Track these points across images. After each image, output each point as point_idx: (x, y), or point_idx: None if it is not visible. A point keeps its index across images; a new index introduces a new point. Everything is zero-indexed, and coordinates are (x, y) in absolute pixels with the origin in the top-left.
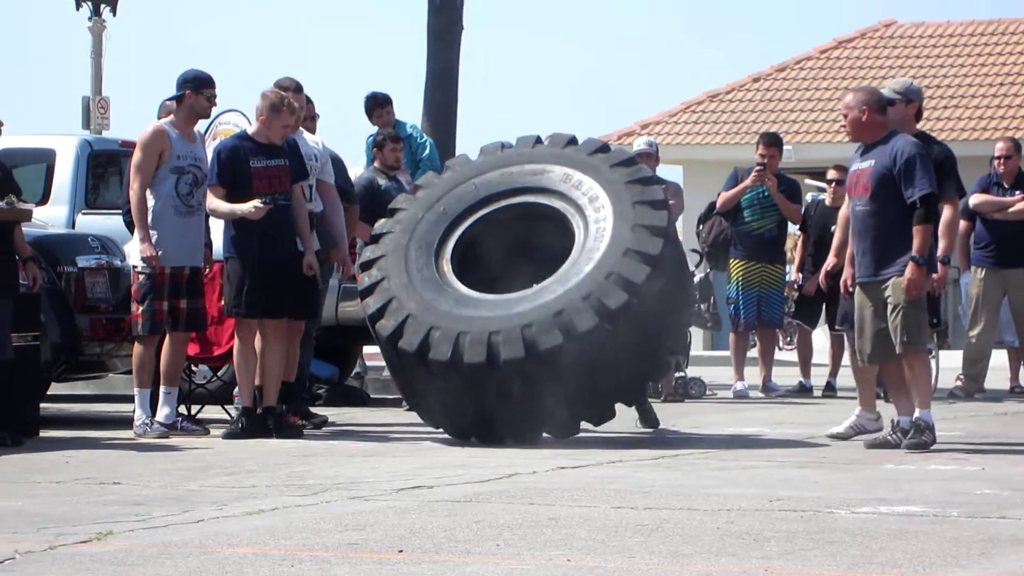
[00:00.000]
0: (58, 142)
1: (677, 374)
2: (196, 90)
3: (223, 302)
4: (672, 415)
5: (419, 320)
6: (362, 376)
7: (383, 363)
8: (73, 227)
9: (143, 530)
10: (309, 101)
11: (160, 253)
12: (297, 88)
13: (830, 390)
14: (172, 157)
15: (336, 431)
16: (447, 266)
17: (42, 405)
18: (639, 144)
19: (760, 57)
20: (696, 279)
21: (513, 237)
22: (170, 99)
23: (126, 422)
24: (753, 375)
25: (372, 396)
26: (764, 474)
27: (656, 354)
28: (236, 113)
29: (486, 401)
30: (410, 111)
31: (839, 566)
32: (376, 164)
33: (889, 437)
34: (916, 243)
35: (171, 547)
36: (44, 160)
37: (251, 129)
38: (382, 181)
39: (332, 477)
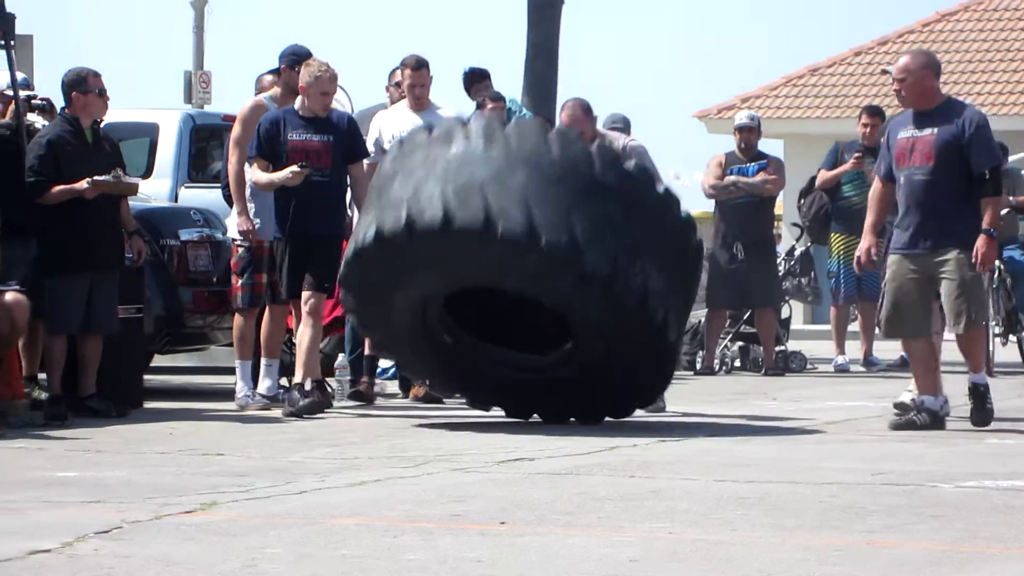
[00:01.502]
0: (161, 116)
1: (778, 348)
2: (291, 65)
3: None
4: (773, 389)
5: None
6: None
7: None
8: (176, 200)
9: (247, 501)
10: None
11: (257, 226)
12: (417, 65)
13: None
14: None
15: (436, 405)
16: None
17: (146, 377)
18: (740, 118)
19: (862, 31)
20: (797, 253)
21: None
22: (267, 73)
23: (228, 394)
24: (854, 349)
25: None
26: (866, 448)
27: None
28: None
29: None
30: (511, 86)
31: (943, 540)
32: None
33: (916, 418)
34: (988, 216)
35: (275, 518)
36: (148, 134)
37: (297, 103)
38: None
39: (434, 449)
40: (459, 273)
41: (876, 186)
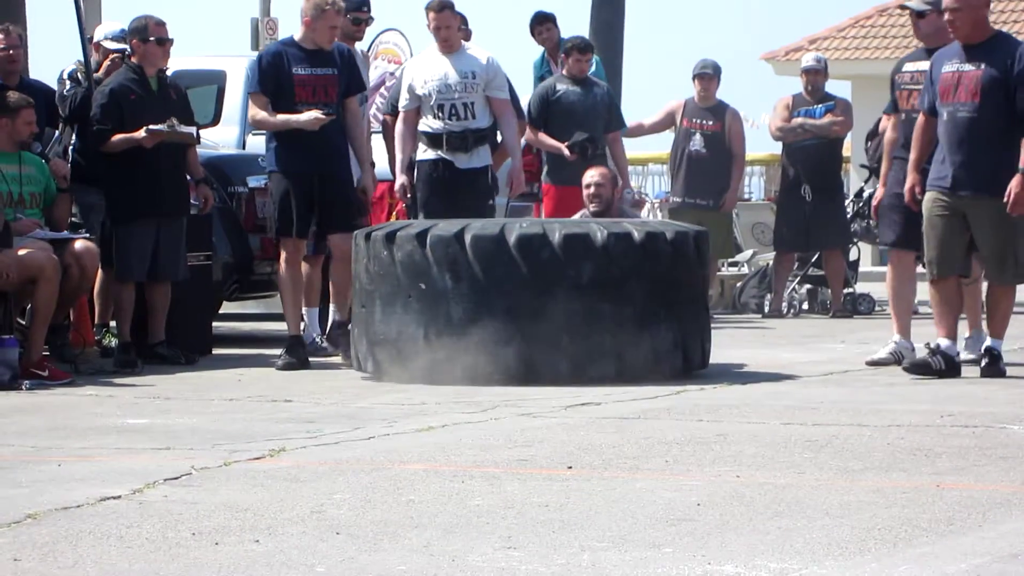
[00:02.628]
0: (228, 63)
1: (846, 290)
2: (344, 12)
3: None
4: (841, 331)
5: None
6: None
7: None
8: (244, 148)
9: (315, 447)
10: (464, 22)
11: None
12: (439, 7)
13: None
14: None
15: None
16: None
17: (214, 324)
18: (807, 60)
19: None
20: (865, 195)
21: None
22: None
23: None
24: (924, 290)
25: None
26: (934, 390)
27: None
28: (395, 32)
29: None
30: (576, 31)
31: (1012, 481)
32: (564, 72)
33: (931, 360)
34: None
35: (342, 463)
36: (215, 82)
37: (297, 35)
38: (562, 86)
39: (501, 394)
40: None
41: (920, 121)
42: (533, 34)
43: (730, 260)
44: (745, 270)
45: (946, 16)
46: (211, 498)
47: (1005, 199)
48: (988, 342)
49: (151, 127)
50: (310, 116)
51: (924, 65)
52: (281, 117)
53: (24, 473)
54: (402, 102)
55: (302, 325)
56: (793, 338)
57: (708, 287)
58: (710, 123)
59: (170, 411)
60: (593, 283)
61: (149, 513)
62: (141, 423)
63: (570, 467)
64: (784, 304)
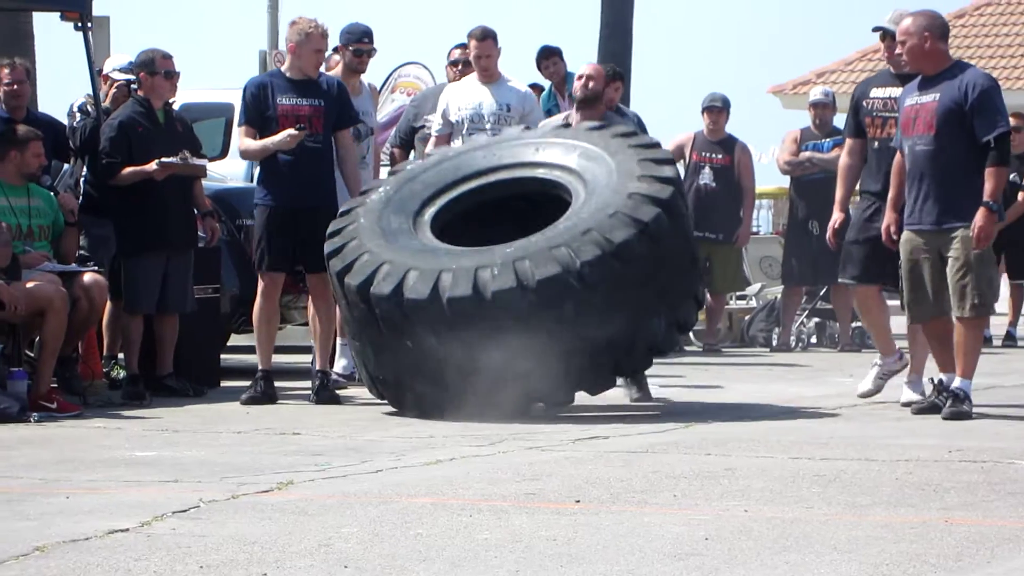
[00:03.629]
0: (236, 96)
1: (854, 324)
2: (345, 44)
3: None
4: (849, 365)
5: (396, 265)
6: None
7: None
8: (252, 180)
9: (323, 480)
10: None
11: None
12: (482, 36)
13: (1010, 340)
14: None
15: None
16: (428, 231)
17: (223, 356)
18: (815, 94)
19: (941, 4)
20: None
21: (505, 214)
22: (334, 52)
23: (304, 373)
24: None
25: None
26: (943, 424)
27: (652, 315)
28: (417, 66)
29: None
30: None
31: (1021, 517)
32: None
33: (937, 400)
34: (989, 187)
35: (350, 497)
36: (223, 114)
37: (284, 65)
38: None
39: (508, 427)
40: None
41: (896, 159)
42: (540, 68)
43: (738, 293)
44: (753, 303)
45: (896, 49)
46: (219, 531)
47: (969, 232)
48: (956, 382)
49: (163, 160)
50: (283, 135)
51: (895, 91)
52: (259, 142)
53: (32, 505)
54: (435, 127)
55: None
56: (801, 372)
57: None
58: (719, 156)
59: (178, 443)
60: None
61: (157, 546)
62: (149, 455)
63: (578, 501)
64: (792, 338)
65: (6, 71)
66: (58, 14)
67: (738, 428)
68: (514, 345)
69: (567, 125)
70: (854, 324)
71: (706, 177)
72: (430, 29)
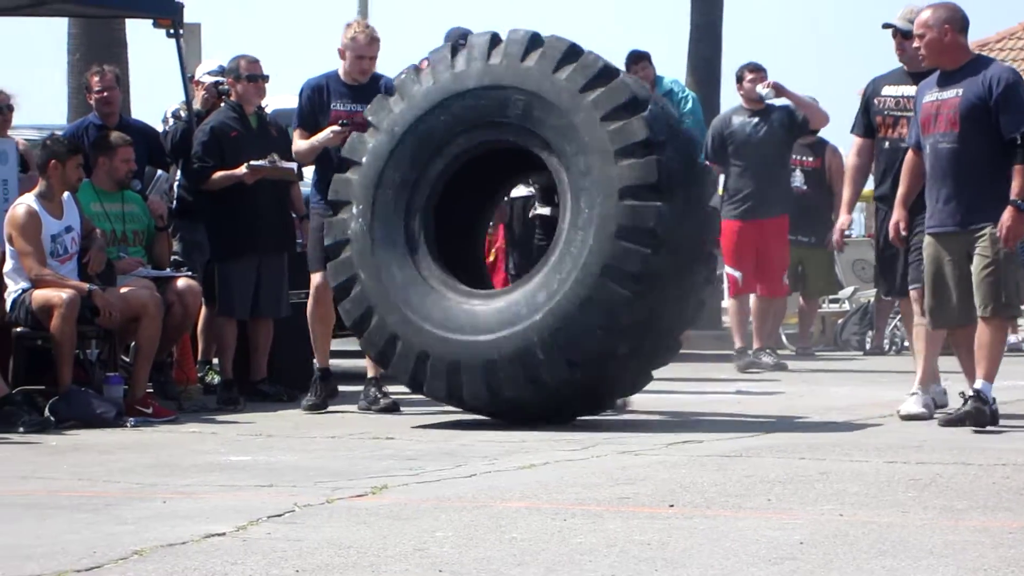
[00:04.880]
0: None
1: None
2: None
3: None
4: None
5: (406, 343)
6: None
7: None
8: None
9: (417, 484)
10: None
11: None
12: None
13: None
14: None
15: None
16: (426, 256)
17: None
18: None
19: None
20: None
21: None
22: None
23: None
24: None
25: None
26: None
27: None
28: None
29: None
30: (674, 66)
31: None
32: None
33: (971, 409)
34: (1016, 185)
35: (444, 501)
36: None
37: (341, 68)
38: (738, 118)
39: (603, 432)
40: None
41: (908, 157)
42: (629, 72)
43: (831, 297)
44: (846, 307)
45: (914, 43)
46: (314, 535)
47: (997, 231)
48: (978, 384)
49: (252, 163)
50: (327, 132)
51: (909, 90)
52: (307, 142)
53: (130, 510)
54: None
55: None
56: (895, 376)
57: None
58: (810, 159)
59: (272, 448)
60: None
61: (253, 550)
62: (244, 460)
63: (672, 505)
64: (886, 341)
65: (96, 78)
66: (151, 21)
67: (832, 432)
68: None
69: None
70: None
71: (797, 180)
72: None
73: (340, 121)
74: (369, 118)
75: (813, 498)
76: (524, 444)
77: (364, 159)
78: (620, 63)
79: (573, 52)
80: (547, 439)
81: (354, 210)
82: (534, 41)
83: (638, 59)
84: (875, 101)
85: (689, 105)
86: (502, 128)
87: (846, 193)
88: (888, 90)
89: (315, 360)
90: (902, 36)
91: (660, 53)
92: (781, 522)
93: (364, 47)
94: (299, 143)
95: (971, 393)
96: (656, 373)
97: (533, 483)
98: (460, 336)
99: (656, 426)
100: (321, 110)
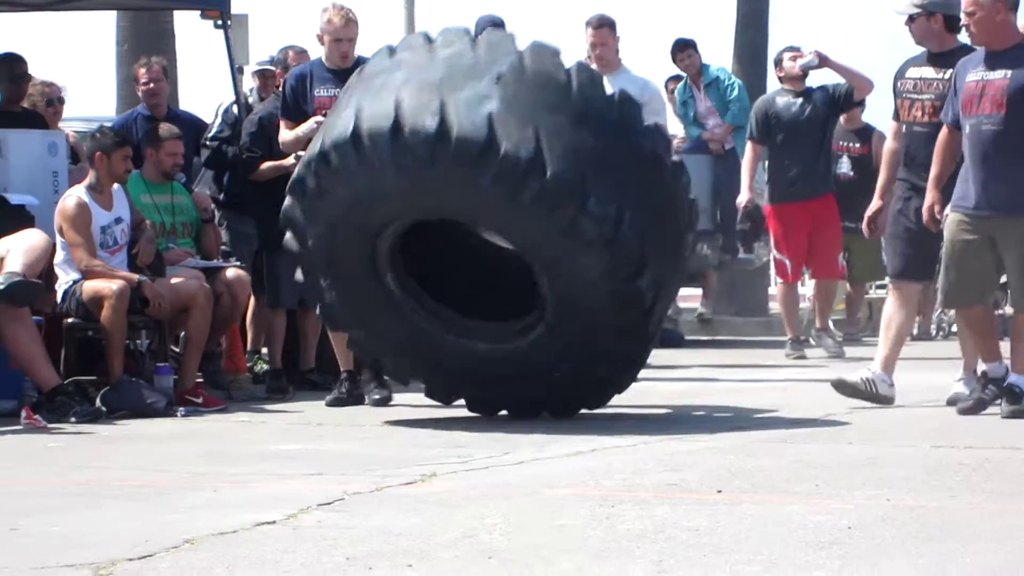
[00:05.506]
0: None
1: (996, 312)
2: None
3: None
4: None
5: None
6: (675, 319)
7: (696, 305)
8: None
9: (465, 472)
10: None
11: None
12: (598, 23)
13: None
14: None
15: (651, 374)
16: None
17: None
18: None
19: None
20: None
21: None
22: None
23: None
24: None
25: (686, 338)
26: None
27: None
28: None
29: None
30: (720, 54)
31: None
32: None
33: (983, 395)
34: None
35: (493, 488)
36: None
37: (324, 52)
38: (781, 99)
39: (649, 417)
40: (435, 202)
41: (942, 134)
42: (675, 60)
43: (878, 282)
44: None
45: (963, 20)
46: (364, 523)
47: None
48: (1011, 378)
49: (300, 154)
50: (310, 124)
51: (928, 72)
52: (292, 133)
53: (181, 499)
54: None
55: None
56: (942, 362)
57: None
58: (857, 146)
59: (322, 437)
60: None
61: (304, 538)
62: (293, 449)
63: (720, 491)
64: (933, 327)
65: (143, 70)
66: (198, 12)
67: (879, 417)
68: None
69: None
70: (996, 312)
71: (844, 166)
72: (567, 19)
73: (324, 112)
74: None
75: (860, 483)
76: (572, 431)
77: (311, 243)
78: (666, 51)
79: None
80: (596, 426)
81: (322, 283)
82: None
83: (683, 47)
84: (898, 84)
85: (736, 93)
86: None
87: (881, 177)
88: (911, 72)
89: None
90: (925, 17)
91: (706, 40)
92: (829, 507)
93: (340, 29)
94: (284, 134)
95: (986, 375)
96: (703, 360)
97: (581, 470)
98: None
99: (703, 413)
100: (305, 98)
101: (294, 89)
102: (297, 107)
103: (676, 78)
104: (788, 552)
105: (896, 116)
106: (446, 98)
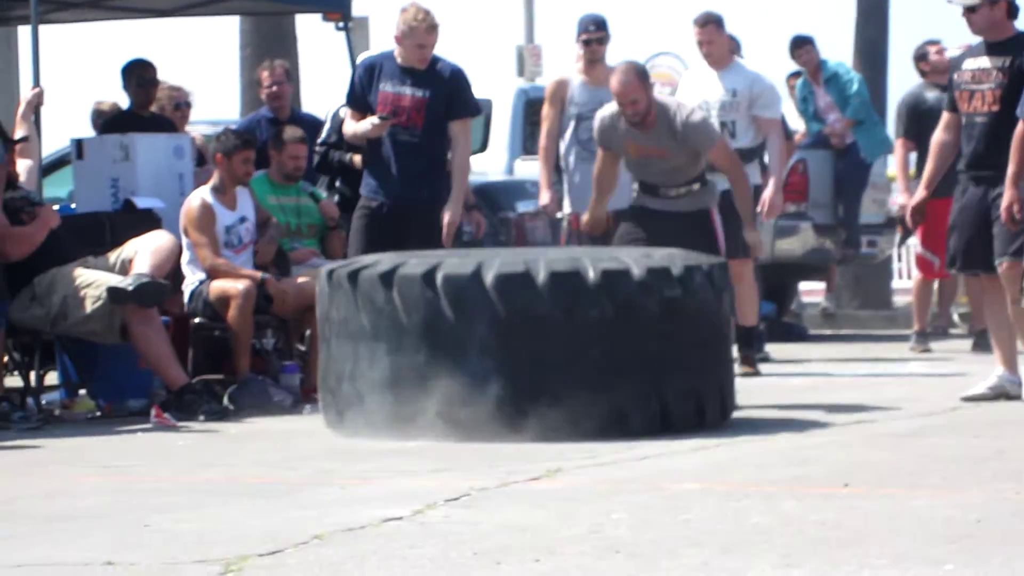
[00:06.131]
0: (495, 91)
1: None
2: (577, 35)
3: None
4: None
5: None
6: (799, 313)
7: (820, 299)
8: (512, 174)
9: (591, 467)
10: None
11: (567, 207)
12: (703, 21)
13: None
14: (571, 104)
15: (776, 369)
16: None
17: None
18: None
19: None
20: None
21: None
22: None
23: None
24: None
25: (810, 332)
26: None
27: None
28: (671, 56)
29: None
30: (839, 49)
31: None
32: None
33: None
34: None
35: (619, 483)
36: (482, 110)
37: (397, 48)
38: (931, 94)
39: (776, 412)
40: None
41: (1019, 128)
42: (793, 57)
43: None
44: None
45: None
46: (491, 518)
47: None
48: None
49: (379, 119)
50: (367, 123)
51: (985, 62)
52: (353, 128)
53: (309, 495)
54: None
55: None
56: None
57: (728, 328)
58: None
59: None
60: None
61: (431, 533)
62: (419, 445)
63: (846, 484)
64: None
65: (266, 73)
66: (320, 15)
67: (1008, 409)
68: None
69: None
70: None
71: None
72: (681, 18)
73: (379, 115)
74: None
75: (989, 476)
76: (695, 428)
77: None
78: (784, 47)
79: None
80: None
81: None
82: None
83: (802, 43)
84: (955, 76)
85: (855, 87)
86: None
87: (928, 168)
88: (968, 63)
89: None
90: (967, 11)
91: (825, 36)
92: (956, 500)
93: (423, 35)
94: (348, 124)
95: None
96: (827, 355)
97: (707, 465)
98: None
99: (828, 406)
100: (370, 90)
101: (362, 80)
102: (364, 98)
103: (796, 74)
104: (916, 546)
105: (952, 107)
106: None
